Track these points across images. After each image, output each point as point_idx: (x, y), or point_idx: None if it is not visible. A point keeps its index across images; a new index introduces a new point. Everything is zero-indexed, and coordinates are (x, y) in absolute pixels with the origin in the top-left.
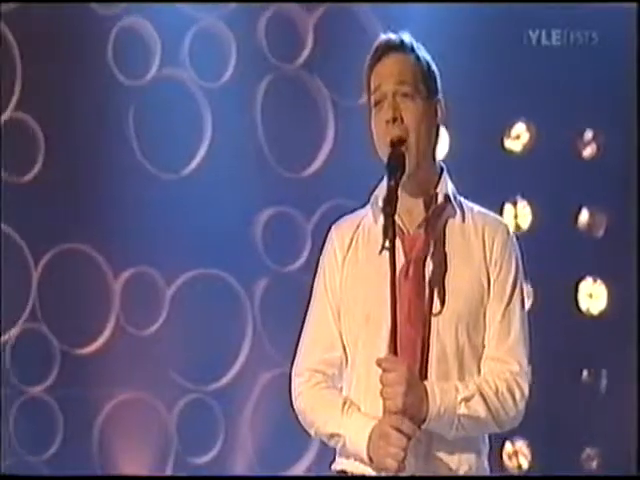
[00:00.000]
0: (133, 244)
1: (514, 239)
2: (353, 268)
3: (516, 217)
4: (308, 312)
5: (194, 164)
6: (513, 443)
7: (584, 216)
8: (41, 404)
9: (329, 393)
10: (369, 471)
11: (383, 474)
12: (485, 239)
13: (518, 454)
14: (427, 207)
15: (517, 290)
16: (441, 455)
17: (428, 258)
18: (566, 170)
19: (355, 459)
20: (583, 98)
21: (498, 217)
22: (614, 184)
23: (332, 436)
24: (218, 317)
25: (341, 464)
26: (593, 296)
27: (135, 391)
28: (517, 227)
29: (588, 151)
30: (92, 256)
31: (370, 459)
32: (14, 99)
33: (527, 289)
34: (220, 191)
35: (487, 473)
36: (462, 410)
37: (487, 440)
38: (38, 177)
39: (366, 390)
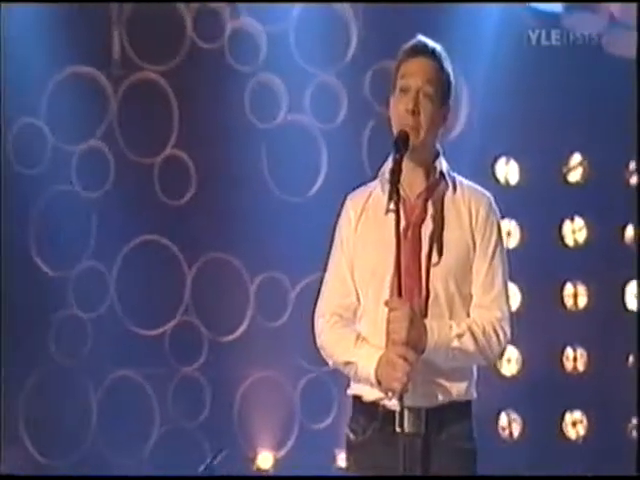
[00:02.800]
0: (265, 254)
1: (496, 209)
2: (363, 231)
3: (574, 232)
4: (328, 265)
5: (314, 190)
6: (572, 414)
7: (629, 231)
8: (193, 381)
9: (345, 331)
10: (377, 394)
11: (389, 394)
12: (471, 209)
13: (577, 424)
14: (425, 181)
15: (498, 250)
16: (436, 379)
17: (424, 222)
18: (614, 194)
19: (365, 384)
20: (630, 133)
21: (483, 190)
22: None
23: (346, 364)
24: None
25: (354, 389)
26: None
27: (266, 371)
28: (575, 241)
29: (634, 179)
30: (233, 263)
31: (378, 382)
32: (172, 139)
33: (505, 256)
34: (334, 211)
35: (474, 399)
36: (455, 344)
37: (475, 371)
38: (191, 201)
39: (374, 329)
